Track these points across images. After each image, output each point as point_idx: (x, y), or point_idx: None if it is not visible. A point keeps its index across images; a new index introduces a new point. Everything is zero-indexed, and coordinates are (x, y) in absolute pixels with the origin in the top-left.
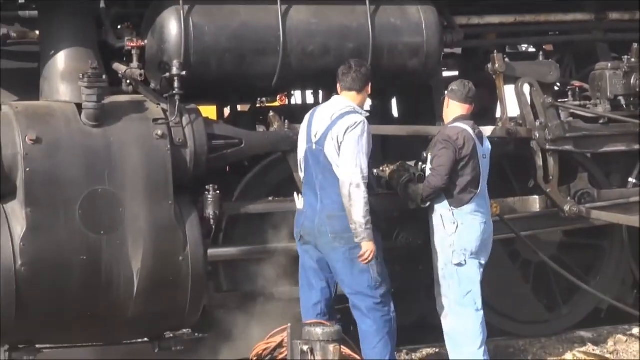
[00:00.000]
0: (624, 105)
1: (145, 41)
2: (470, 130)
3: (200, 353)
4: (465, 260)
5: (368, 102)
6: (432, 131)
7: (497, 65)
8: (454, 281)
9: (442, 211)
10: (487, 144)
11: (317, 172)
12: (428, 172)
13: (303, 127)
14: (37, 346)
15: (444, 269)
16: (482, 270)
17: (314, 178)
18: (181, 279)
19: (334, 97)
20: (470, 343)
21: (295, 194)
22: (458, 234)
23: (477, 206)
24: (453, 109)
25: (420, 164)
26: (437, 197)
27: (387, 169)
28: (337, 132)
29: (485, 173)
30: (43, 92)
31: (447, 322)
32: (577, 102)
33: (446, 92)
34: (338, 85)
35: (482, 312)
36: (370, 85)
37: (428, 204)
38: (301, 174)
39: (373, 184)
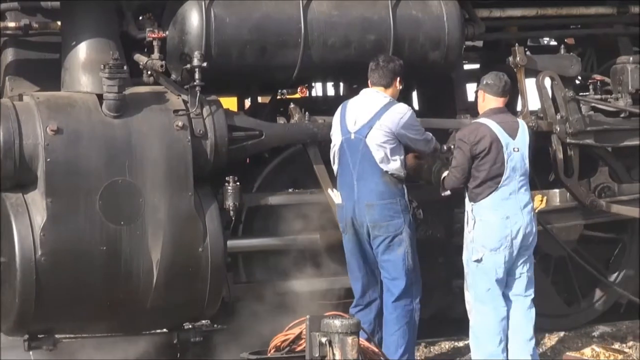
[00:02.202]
0: None
1: (167, 32)
2: (493, 124)
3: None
4: (482, 257)
5: None
6: (455, 124)
7: (518, 59)
8: (474, 279)
9: (466, 207)
10: (524, 137)
11: (354, 162)
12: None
13: (336, 121)
14: (57, 336)
15: (467, 265)
16: (504, 268)
17: (351, 168)
18: (200, 270)
19: (367, 90)
20: (489, 341)
21: (330, 189)
22: (476, 230)
23: (499, 200)
24: (488, 102)
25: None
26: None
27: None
28: (387, 121)
29: (517, 167)
30: (64, 82)
31: (471, 317)
32: (598, 96)
33: (480, 85)
34: (369, 80)
35: (503, 310)
36: (398, 80)
37: (448, 192)
38: (334, 167)
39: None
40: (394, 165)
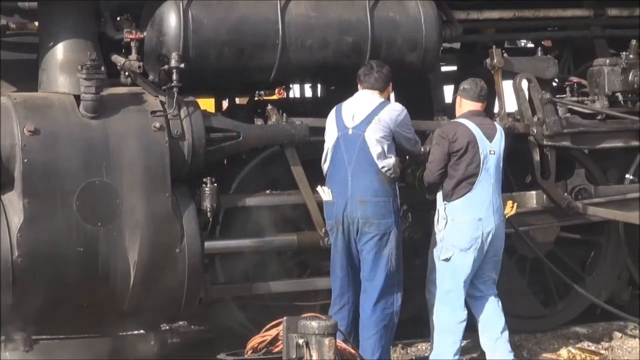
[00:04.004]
0: (622, 102)
1: (144, 33)
2: (472, 125)
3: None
4: (451, 257)
5: None
6: (433, 126)
7: (495, 61)
8: (440, 277)
9: (438, 206)
10: (500, 141)
11: (350, 158)
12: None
13: (331, 121)
14: (33, 337)
15: (432, 264)
16: (470, 270)
17: (346, 164)
18: (178, 271)
19: (362, 92)
20: (441, 341)
21: (319, 187)
22: (447, 229)
23: (473, 202)
24: (465, 107)
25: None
26: (438, 192)
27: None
28: (386, 117)
29: (492, 170)
30: (42, 83)
31: (432, 317)
32: (575, 98)
33: (458, 91)
34: (359, 85)
35: (462, 312)
36: (391, 86)
37: (434, 196)
38: (325, 166)
39: None
40: (390, 162)
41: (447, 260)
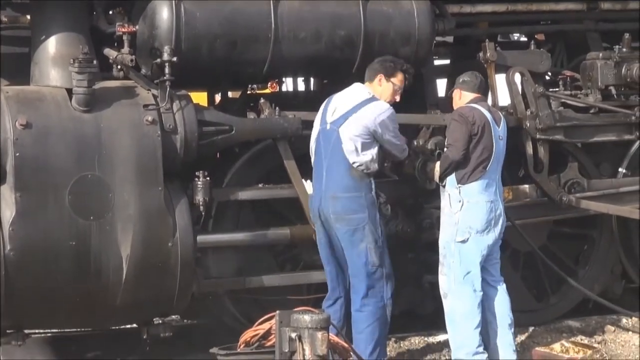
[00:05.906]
0: (615, 95)
1: (137, 27)
2: (484, 110)
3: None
4: (468, 238)
5: None
6: (425, 120)
7: (488, 54)
8: (455, 260)
9: (450, 190)
10: (505, 127)
11: (326, 153)
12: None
13: (319, 112)
14: (26, 331)
15: (446, 248)
16: (486, 252)
17: (322, 159)
18: (170, 265)
19: (355, 84)
20: (466, 324)
21: (305, 180)
22: (463, 211)
23: (486, 185)
24: (465, 99)
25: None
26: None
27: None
28: (365, 114)
29: (499, 155)
30: (33, 76)
31: (447, 302)
32: (568, 92)
33: (456, 85)
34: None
35: (480, 294)
36: (382, 78)
37: (445, 182)
38: (312, 159)
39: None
40: (363, 158)
41: (463, 242)
